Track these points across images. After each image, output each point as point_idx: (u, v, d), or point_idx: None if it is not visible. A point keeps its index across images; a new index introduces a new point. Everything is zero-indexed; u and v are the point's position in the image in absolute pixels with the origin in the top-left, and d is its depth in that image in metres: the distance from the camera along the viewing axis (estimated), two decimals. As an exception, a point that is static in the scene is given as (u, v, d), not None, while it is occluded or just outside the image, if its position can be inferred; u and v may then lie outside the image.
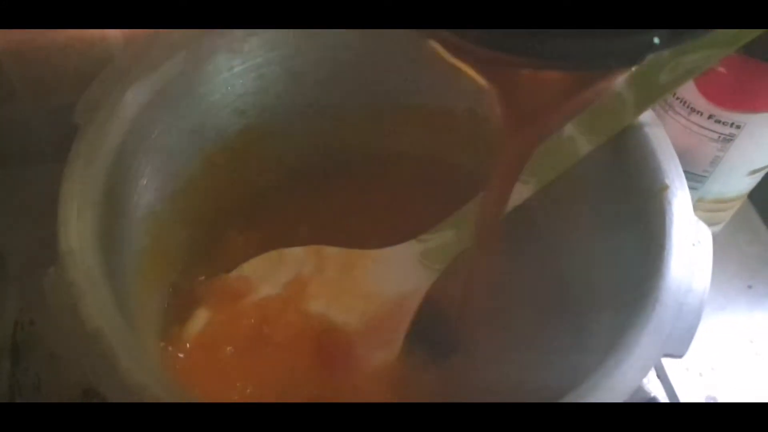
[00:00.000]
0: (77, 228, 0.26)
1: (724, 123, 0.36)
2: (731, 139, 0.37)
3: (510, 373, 0.33)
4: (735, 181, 0.40)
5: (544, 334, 0.33)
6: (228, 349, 0.33)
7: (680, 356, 0.26)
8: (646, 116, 0.31)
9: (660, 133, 0.30)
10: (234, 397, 0.32)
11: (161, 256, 0.33)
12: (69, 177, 0.27)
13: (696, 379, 0.41)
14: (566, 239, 0.34)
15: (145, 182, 0.31)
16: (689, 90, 0.36)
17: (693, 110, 0.37)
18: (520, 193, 0.32)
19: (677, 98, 0.37)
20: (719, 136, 0.37)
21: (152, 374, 0.24)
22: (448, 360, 0.35)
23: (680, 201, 0.28)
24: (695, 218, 0.28)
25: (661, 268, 0.27)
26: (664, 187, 0.28)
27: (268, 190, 0.38)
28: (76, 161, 0.28)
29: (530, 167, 0.31)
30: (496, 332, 0.35)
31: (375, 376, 0.34)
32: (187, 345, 0.33)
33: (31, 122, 0.45)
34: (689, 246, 0.27)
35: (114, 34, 0.42)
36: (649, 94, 0.30)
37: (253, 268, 0.35)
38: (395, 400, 0.33)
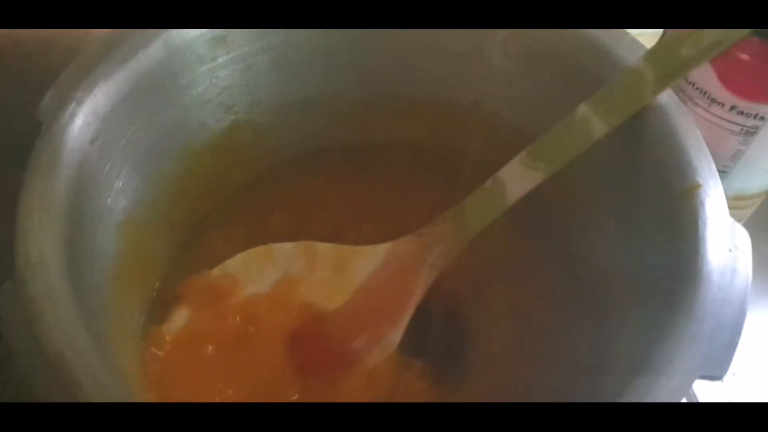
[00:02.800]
0: (38, 238, 0.23)
1: (746, 115, 0.34)
2: (754, 132, 0.34)
3: (520, 385, 0.30)
4: (757, 176, 0.37)
5: (559, 341, 0.30)
6: (209, 348, 0.31)
7: (719, 378, 0.22)
8: (673, 104, 0.27)
9: (689, 123, 0.27)
10: (214, 399, 0.30)
11: (140, 263, 0.30)
12: (30, 181, 0.24)
13: (716, 385, 0.39)
14: (586, 237, 0.31)
15: (120, 185, 0.28)
16: (709, 80, 0.34)
17: (713, 101, 0.34)
18: (529, 179, 0.29)
19: (696, 89, 0.34)
20: (741, 129, 0.34)
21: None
22: (449, 368, 0.32)
23: (714, 201, 0.25)
24: (731, 220, 0.25)
25: (694, 277, 0.23)
26: (696, 186, 0.25)
27: (257, 185, 0.35)
28: (38, 163, 0.25)
29: (538, 151, 0.28)
30: (505, 337, 0.32)
31: (366, 383, 0.31)
32: (167, 344, 0.30)
33: (13, 121, 0.41)
34: (725, 252, 0.24)
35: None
36: (670, 69, 0.27)
37: (238, 264, 0.32)
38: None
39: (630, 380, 0.22)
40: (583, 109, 0.27)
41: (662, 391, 0.21)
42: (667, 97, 0.27)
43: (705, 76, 0.34)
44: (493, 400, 0.29)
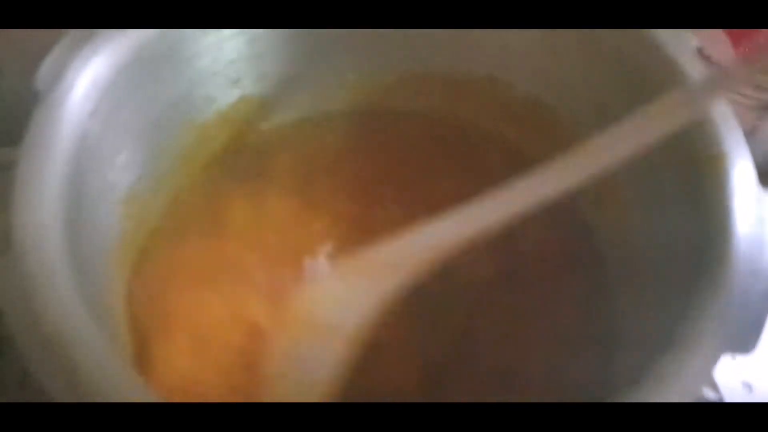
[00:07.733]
0: (36, 213, 0.22)
1: (763, 89, 0.33)
2: (771, 107, 0.33)
3: (521, 364, 0.27)
4: (774, 153, 0.36)
5: (562, 318, 0.27)
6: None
7: (747, 353, 0.21)
8: (696, 73, 0.26)
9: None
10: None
11: (145, 238, 0.28)
12: (27, 153, 0.23)
13: (730, 363, 0.36)
14: (597, 208, 0.29)
15: (123, 159, 0.26)
16: (724, 52, 0.33)
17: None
18: None
19: (712, 62, 0.33)
20: (758, 103, 0.33)
21: (119, 387, 0.19)
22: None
23: (742, 170, 0.23)
24: (761, 191, 0.23)
25: (722, 248, 0.22)
26: (721, 154, 0.23)
27: (266, 155, 0.33)
28: (35, 135, 0.23)
29: None
30: (504, 311, 0.29)
31: None
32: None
33: (19, 101, 0.40)
34: (754, 222, 0.22)
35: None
36: None
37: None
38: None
39: (651, 357, 0.21)
40: None
41: (688, 367, 0.20)
42: (690, 67, 0.25)
43: (720, 48, 0.32)
44: (491, 377, 0.27)
